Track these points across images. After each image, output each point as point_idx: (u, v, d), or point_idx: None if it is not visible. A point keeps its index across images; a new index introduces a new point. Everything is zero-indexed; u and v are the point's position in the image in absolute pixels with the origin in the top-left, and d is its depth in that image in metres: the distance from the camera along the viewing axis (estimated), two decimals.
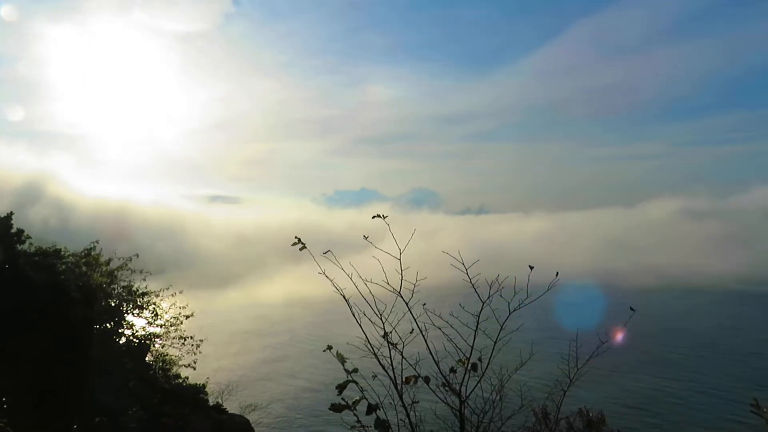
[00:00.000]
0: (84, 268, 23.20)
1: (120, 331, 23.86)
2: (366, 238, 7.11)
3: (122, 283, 24.71)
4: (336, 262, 7.34)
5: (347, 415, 6.07)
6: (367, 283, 7.17)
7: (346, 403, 5.58)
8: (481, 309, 7.04)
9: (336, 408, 5.52)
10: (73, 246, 24.59)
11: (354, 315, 7.06)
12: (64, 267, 22.06)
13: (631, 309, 7.72)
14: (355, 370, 5.93)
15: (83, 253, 24.14)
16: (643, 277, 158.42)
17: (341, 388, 5.73)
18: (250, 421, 33.11)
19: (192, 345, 26.46)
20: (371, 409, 5.67)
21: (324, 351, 6.38)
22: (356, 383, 6.16)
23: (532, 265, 6.88)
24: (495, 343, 7.01)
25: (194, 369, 26.46)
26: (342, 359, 5.90)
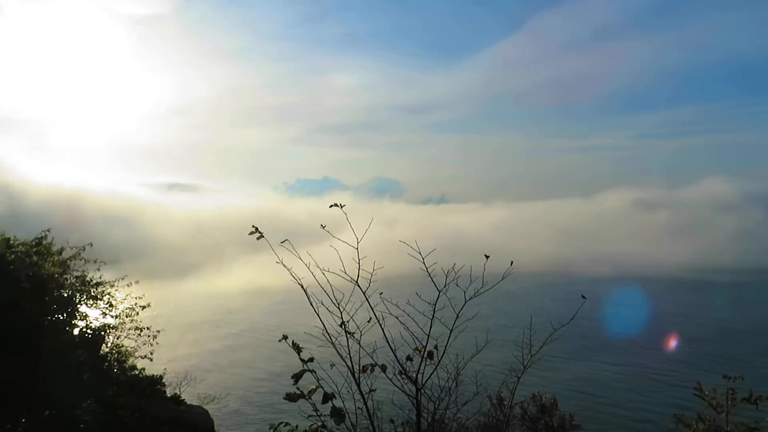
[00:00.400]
0: (35, 258, 22.42)
1: (73, 322, 23.17)
2: (324, 228, 7.12)
3: (75, 273, 23.96)
4: (294, 252, 7.33)
5: (305, 405, 6.10)
6: (325, 273, 7.20)
7: (301, 392, 5.60)
8: (438, 297, 7.15)
9: (291, 397, 5.54)
10: (23, 234, 23.76)
11: (312, 304, 7.08)
12: (13, 256, 21.28)
13: (583, 297, 8.01)
14: (311, 359, 5.96)
15: (34, 242, 23.32)
16: (596, 266, 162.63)
17: (297, 377, 5.75)
18: (209, 412, 32.81)
19: (149, 336, 25.92)
20: (327, 397, 5.71)
21: (279, 341, 6.37)
22: (313, 372, 6.20)
23: (487, 255, 7.03)
24: (451, 331, 7.12)
25: (151, 360, 25.96)
26: (297, 349, 5.91)
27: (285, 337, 6.24)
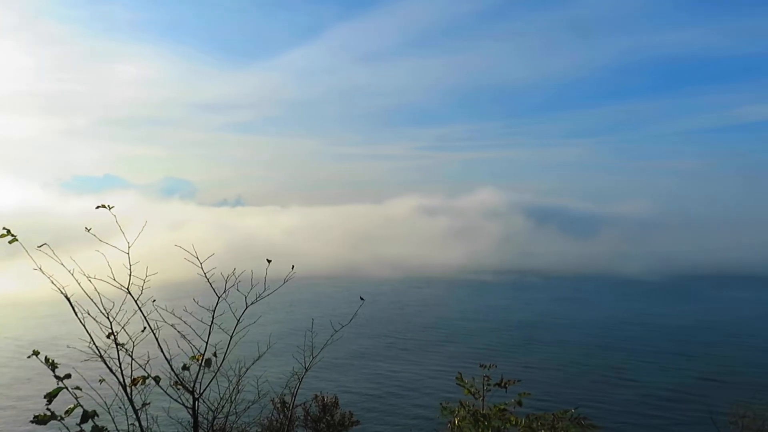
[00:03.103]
0: None
1: None
2: (89, 231, 6.50)
3: None
4: (55, 257, 6.60)
5: (70, 426, 5.52)
6: (92, 280, 6.59)
7: (52, 413, 5.03)
8: (217, 303, 6.97)
9: (40, 420, 4.94)
10: None
11: (77, 315, 6.44)
12: None
13: (361, 299, 8.44)
14: (68, 376, 5.39)
15: None
16: (383, 269, 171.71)
17: (51, 396, 5.15)
18: None
19: None
20: (87, 416, 5.22)
21: (29, 357, 5.66)
22: (79, 389, 5.65)
23: (269, 259, 7.03)
24: (231, 337, 6.98)
25: None
26: (52, 365, 5.31)
27: (36, 353, 5.56)
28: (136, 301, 6.70)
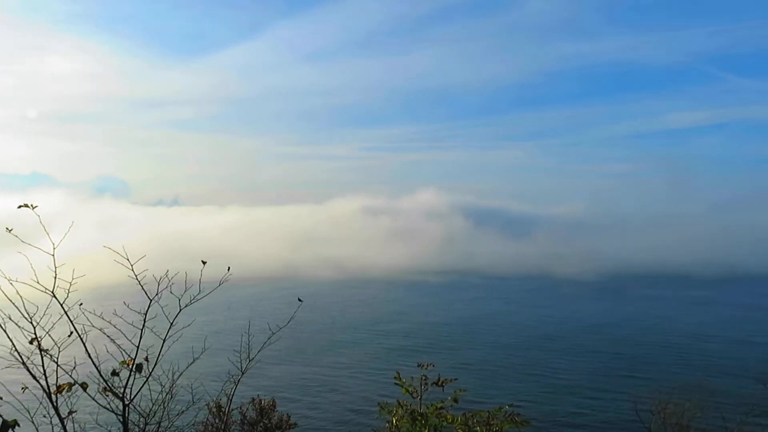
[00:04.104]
0: None
1: None
2: (10, 231, 6.21)
3: None
4: None
5: None
6: (14, 283, 6.31)
7: None
8: (149, 306, 6.79)
9: None
10: None
11: None
12: None
13: (299, 300, 8.43)
14: None
15: None
16: (323, 270, 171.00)
17: None
18: None
19: None
20: (6, 426, 4.99)
21: None
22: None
23: (204, 261, 6.91)
24: (164, 341, 6.81)
25: None
26: None
27: None
28: (62, 305, 6.44)
